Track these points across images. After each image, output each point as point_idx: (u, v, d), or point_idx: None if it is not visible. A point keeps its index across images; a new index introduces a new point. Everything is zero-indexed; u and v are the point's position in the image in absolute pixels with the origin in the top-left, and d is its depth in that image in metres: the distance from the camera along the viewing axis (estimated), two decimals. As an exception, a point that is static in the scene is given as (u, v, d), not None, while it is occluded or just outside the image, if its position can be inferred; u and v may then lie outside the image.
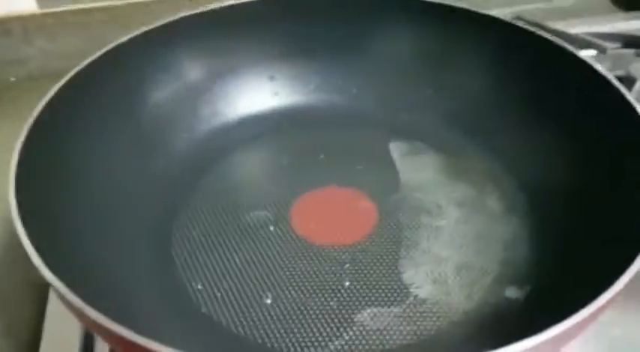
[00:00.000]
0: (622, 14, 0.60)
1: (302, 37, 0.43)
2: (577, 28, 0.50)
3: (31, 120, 0.28)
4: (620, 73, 0.44)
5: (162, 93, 0.38)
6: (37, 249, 0.22)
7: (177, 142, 0.39)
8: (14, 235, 0.23)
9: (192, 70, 0.40)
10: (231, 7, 0.40)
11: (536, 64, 0.37)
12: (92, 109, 0.33)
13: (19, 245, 0.23)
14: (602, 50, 0.46)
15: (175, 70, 0.39)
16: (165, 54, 0.38)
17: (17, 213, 0.24)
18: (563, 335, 0.19)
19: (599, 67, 0.33)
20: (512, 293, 0.31)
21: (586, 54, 0.41)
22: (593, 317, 0.21)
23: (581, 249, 0.30)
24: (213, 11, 0.39)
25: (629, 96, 0.30)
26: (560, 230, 0.32)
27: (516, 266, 0.32)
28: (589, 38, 0.48)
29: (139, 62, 0.36)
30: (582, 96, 0.34)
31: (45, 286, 0.36)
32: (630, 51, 0.47)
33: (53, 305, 0.35)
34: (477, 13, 0.39)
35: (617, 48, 0.47)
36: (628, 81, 0.43)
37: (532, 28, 0.37)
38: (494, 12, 0.39)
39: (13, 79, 0.58)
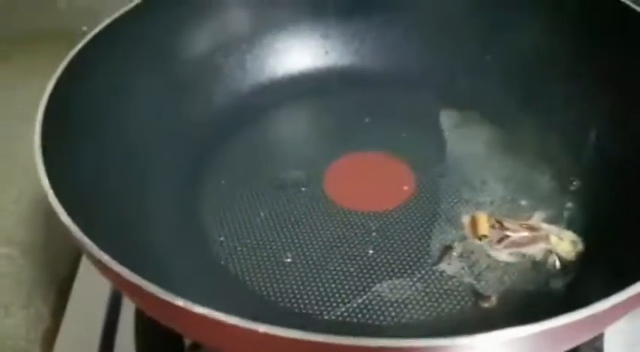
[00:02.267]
0: None
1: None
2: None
3: (63, 64, 0.28)
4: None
5: (205, 42, 0.38)
6: (56, 193, 0.22)
7: (220, 94, 0.38)
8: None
9: (240, 22, 0.40)
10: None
11: (606, 28, 0.33)
12: (128, 55, 0.33)
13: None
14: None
15: (221, 20, 0.39)
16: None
17: (41, 158, 0.24)
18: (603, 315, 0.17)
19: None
20: (555, 283, 0.29)
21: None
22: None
23: (632, 240, 0.26)
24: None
25: None
26: (613, 219, 0.29)
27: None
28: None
29: (178, 6, 0.36)
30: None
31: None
32: None
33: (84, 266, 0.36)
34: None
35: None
36: None
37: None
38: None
39: (84, 28, 0.60)
